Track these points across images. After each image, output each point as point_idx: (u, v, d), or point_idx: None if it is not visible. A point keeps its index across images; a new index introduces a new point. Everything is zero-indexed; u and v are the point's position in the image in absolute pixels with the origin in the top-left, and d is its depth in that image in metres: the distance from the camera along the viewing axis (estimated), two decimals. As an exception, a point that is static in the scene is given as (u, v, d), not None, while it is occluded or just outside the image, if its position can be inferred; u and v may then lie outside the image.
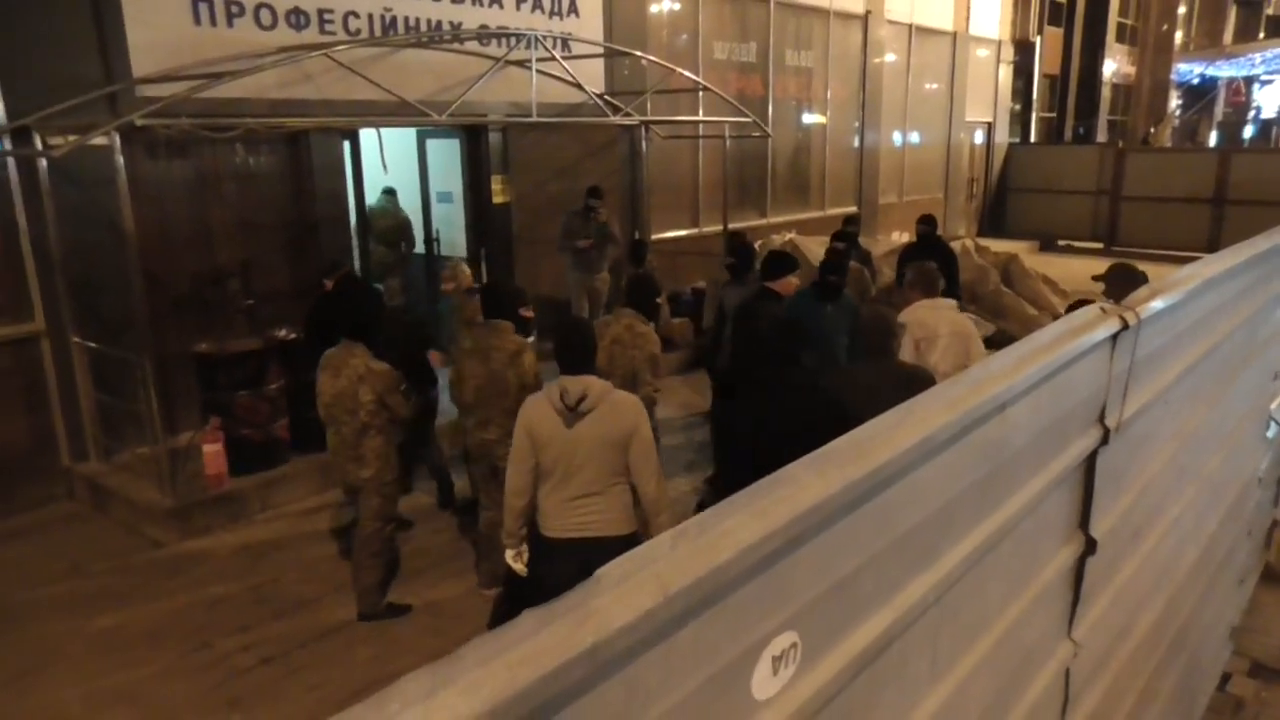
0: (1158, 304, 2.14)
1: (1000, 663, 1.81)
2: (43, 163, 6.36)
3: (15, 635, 5.01)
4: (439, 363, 6.14)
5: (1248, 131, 31.86)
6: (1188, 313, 2.46)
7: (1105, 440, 2.10)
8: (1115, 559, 2.35)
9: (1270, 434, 4.51)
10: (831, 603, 1.17)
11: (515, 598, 4.79)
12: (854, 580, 1.21)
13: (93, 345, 6.68)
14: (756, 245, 8.42)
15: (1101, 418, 2.09)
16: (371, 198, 9.47)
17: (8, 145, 6.23)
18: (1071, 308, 3.43)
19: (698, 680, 0.96)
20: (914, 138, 17.13)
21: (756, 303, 5.51)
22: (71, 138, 6.16)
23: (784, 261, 5.61)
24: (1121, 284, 4.87)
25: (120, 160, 5.65)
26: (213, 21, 7.00)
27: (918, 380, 4.29)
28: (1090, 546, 2.13)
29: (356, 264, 8.62)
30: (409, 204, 10.08)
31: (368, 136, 9.00)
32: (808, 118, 14.33)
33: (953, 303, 5.38)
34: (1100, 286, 5.08)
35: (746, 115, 10.31)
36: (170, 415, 6.45)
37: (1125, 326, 2.02)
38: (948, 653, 1.59)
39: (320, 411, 4.92)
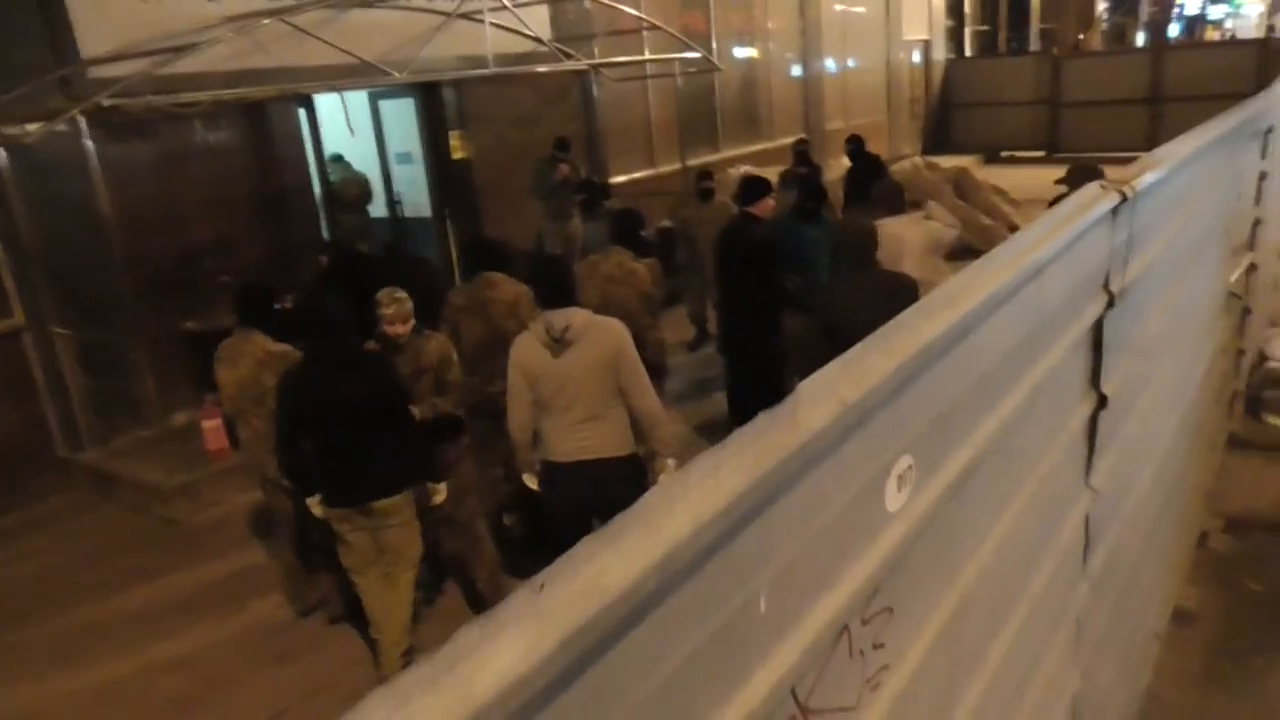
0: (1150, 177, 2.36)
1: (1042, 503, 2.05)
2: (1, 153, 6.27)
3: (57, 620, 5.11)
4: None
5: (1173, 30, 32.48)
6: (1172, 187, 2.69)
7: (1110, 305, 2.33)
8: (1120, 415, 2.60)
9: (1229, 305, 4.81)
10: (935, 433, 1.37)
11: (532, 520, 5.03)
12: (948, 416, 1.41)
13: (76, 334, 6.66)
14: (715, 178, 8.58)
15: (1106, 284, 2.31)
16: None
17: (-35, 138, 6.14)
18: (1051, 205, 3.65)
19: (853, 491, 1.16)
20: (854, 62, 17.25)
21: (738, 226, 5.69)
22: (31, 126, 6.09)
23: (759, 185, 5.77)
24: (1083, 182, 5.14)
25: (90, 144, 5.62)
26: (158, -5, 6.88)
27: (902, 289, 4.51)
28: (1102, 402, 2.37)
29: (324, 233, 8.60)
30: (368, 168, 10.02)
31: (324, 104, 8.92)
32: (751, 50, 14.39)
33: (922, 217, 5.63)
34: (1062, 189, 5.33)
35: (695, 50, 10.36)
36: (162, 396, 6.49)
37: (1124, 200, 2.23)
38: (1010, 487, 1.82)
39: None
